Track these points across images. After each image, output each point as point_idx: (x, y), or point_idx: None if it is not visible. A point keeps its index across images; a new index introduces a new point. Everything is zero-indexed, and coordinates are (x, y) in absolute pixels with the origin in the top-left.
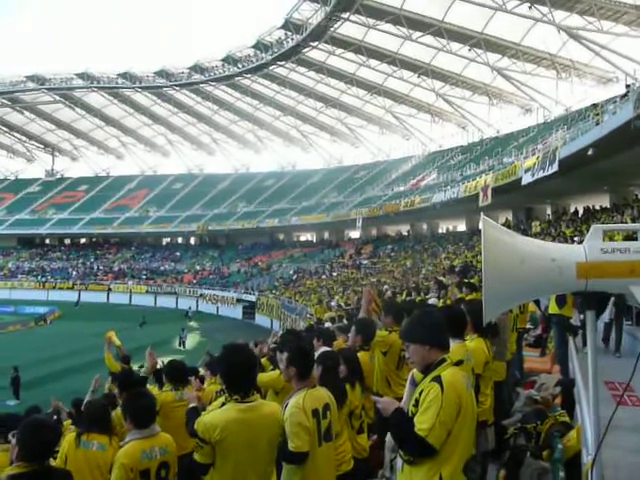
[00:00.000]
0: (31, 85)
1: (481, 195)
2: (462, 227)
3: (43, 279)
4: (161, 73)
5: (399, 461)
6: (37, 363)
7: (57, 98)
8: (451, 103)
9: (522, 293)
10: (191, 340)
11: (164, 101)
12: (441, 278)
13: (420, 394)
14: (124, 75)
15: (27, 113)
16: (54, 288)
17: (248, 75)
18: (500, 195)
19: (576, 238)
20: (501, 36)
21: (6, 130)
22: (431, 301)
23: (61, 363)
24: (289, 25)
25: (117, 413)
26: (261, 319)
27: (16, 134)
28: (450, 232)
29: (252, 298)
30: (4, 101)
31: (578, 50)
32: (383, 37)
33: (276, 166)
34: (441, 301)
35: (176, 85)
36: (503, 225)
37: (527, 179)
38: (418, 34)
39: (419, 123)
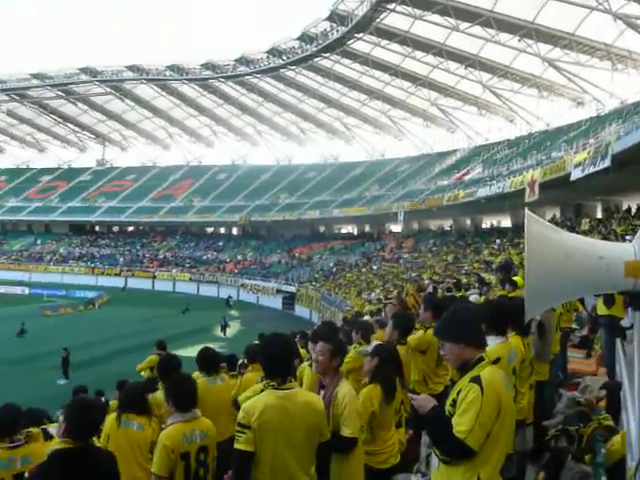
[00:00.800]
0: (84, 77)
1: (527, 190)
2: (507, 223)
3: (92, 265)
4: (207, 65)
5: (435, 459)
6: (86, 345)
7: (108, 90)
8: (499, 95)
9: (566, 290)
10: (232, 328)
11: (210, 93)
12: (483, 274)
13: (458, 394)
14: (172, 67)
15: (80, 104)
16: (102, 274)
17: (293, 67)
18: (548, 191)
19: (628, 237)
20: (553, 26)
21: (60, 121)
22: (472, 298)
23: (108, 346)
24: (334, 16)
25: (155, 397)
26: (300, 310)
27: (70, 125)
28: (494, 228)
29: (292, 289)
30: (59, 93)
31: (636, 40)
32: (429, 28)
33: (318, 158)
34: (482, 298)
35: (222, 77)
36: (550, 222)
37: (577, 174)
38: (466, 25)
39: (465, 116)
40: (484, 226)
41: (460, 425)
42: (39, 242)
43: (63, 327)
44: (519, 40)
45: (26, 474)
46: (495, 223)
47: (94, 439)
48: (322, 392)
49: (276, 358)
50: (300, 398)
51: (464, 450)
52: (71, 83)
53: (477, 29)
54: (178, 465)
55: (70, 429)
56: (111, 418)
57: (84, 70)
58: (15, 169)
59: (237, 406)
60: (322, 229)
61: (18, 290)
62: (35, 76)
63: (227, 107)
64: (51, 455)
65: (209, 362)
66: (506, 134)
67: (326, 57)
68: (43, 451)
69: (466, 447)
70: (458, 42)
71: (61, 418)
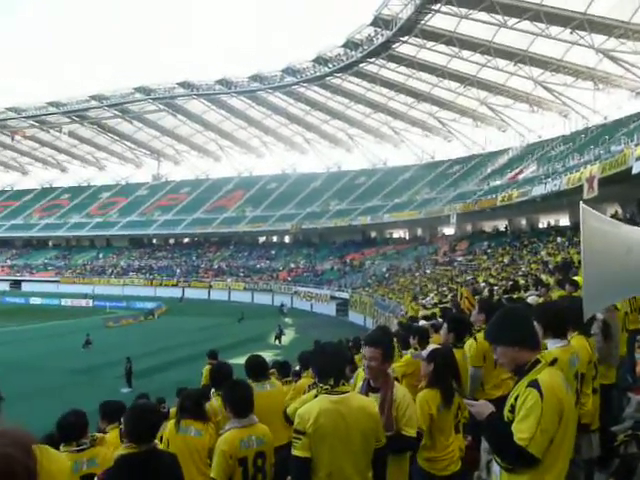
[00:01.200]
0: (138, 96)
1: (586, 187)
2: (565, 222)
3: (151, 276)
4: (255, 77)
5: (496, 466)
6: (147, 354)
7: (161, 107)
8: (551, 91)
9: (627, 286)
10: (286, 336)
11: (258, 104)
12: (542, 276)
13: (516, 399)
14: (221, 81)
15: (135, 122)
16: (160, 285)
17: (339, 74)
18: (607, 186)
19: None
20: (607, 15)
21: (118, 139)
22: (530, 299)
23: (168, 355)
24: (378, 21)
25: (212, 404)
26: (354, 316)
27: (126, 142)
28: (552, 227)
29: (345, 295)
30: (116, 112)
31: None
32: (476, 26)
33: (367, 164)
34: (541, 299)
35: (269, 88)
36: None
37: (639, 168)
38: (514, 20)
39: (516, 114)
40: (541, 226)
41: (521, 432)
42: (101, 256)
43: (125, 337)
44: (571, 32)
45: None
46: (552, 222)
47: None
48: (371, 395)
49: (327, 363)
50: (354, 402)
51: (527, 458)
52: (127, 102)
53: (526, 24)
54: (236, 470)
55: (130, 434)
56: (170, 424)
57: (139, 89)
58: (77, 187)
59: (286, 417)
60: (373, 234)
61: (83, 302)
62: (93, 97)
63: (275, 117)
64: (118, 460)
65: (257, 369)
66: (560, 130)
67: (371, 62)
68: (107, 453)
69: (529, 455)
70: (506, 38)
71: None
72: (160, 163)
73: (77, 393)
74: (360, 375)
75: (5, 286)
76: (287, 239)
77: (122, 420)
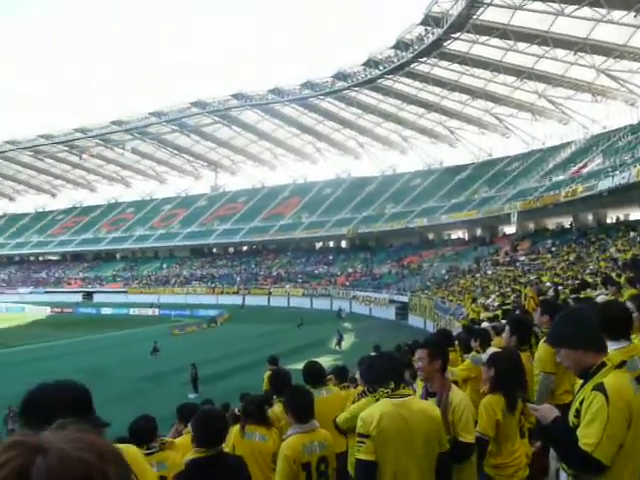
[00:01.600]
0: (195, 110)
1: None
2: (636, 215)
3: (212, 285)
4: (307, 84)
5: (564, 473)
6: (210, 361)
7: (216, 119)
8: (616, 78)
9: None
10: (346, 340)
11: (311, 111)
12: (612, 274)
13: (581, 404)
14: (273, 91)
15: (193, 135)
16: (222, 293)
17: (390, 76)
18: None
19: None
20: None
21: (177, 152)
22: (599, 299)
23: (231, 361)
24: (428, 20)
25: (273, 410)
26: (414, 320)
27: (185, 155)
28: (621, 222)
29: (404, 299)
30: (174, 127)
31: None
32: (531, 17)
33: (422, 165)
34: (612, 298)
35: (321, 94)
36: None
37: None
38: (572, 7)
39: (578, 105)
40: (609, 221)
41: (586, 437)
42: (165, 266)
43: (190, 344)
44: (635, 16)
45: None
46: (622, 217)
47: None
48: (430, 399)
49: (385, 367)
50: (416, 405)
51: (593, 464)
52: (184, 117)
53: (585, 10)
54: (300, 475)
55: (198, 439)
56: (235, 429)
57: (194, 104)
58: (140, 201)
59: (336, 426)
60: (431, 236)
61: (149, 311)
62: (153, 114)
63: (328, 123)
64: (188, 464)
65: (314, 375)
66: (627, 119)
67: (423, 62)
68: (176, 457)
69: (595, 461)
70: (564, 27)
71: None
72: (217, 174)
73: (146, 399)
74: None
75: (78, 297)
76: (344, 244)
77: (190, 425)
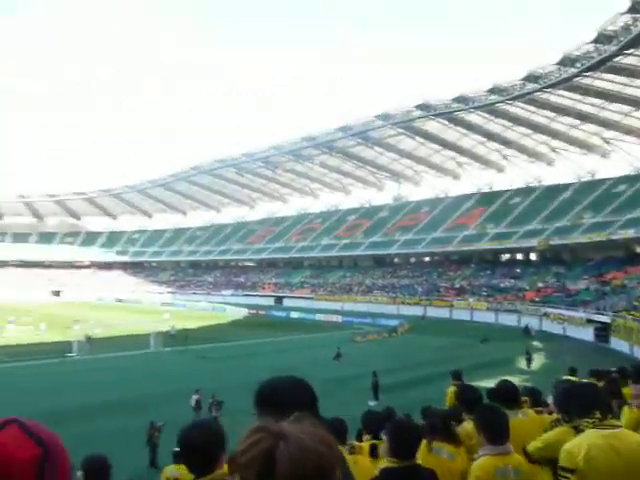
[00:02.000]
0: (379, 123)
1: None
2: None
3: (393, 294)
4: (493, 90)
5: None
6: (390, 370)
7: (400, 131)
8: None
9: None
10: (535, 360)
11: (497, 117)
12: None
13: None
14: (458, 99)
15: (376, 147)
16: (402, 303)
17: (588, 73)
18: None
19: None
20: None
21: (361, 165)
22: None
23: (411, 372)
24: (637, 7)
25: (465, 427)
26: (617, 343)
27: (368, 167)
28: None
29: (605, 319)
30: (359, 140)
31: None
32: None
33: (629, 169)
34: None
35: (509, 99)
36: None
37: None
38: None
39: None
40: None
41: None
42: (348, 275)
43: (371, 352)
44: None
45: None
46: None
47: None
48: None
49: (590, 396)
50: (631, 438)
51: None
52: (368, 130)
53: None
54: None
55: (392, 448)
56: (423, 444)
57: (379, 116)
58: (326, 212)
59: (525, 454)
60: (639, 250)
61: (334, 318)
62: (340, 129)
63: (517, 128)
64: (382, 472)
65: (509, 394)
66: None
67: (629, 54)
68: (365, 462)
69: None
70: None
71: (385, 438)
72: (400, 184)
73: (330, 400)
74: (626, 412)
75: (271, 301)
76: (533, 256)
77: (383, 434)
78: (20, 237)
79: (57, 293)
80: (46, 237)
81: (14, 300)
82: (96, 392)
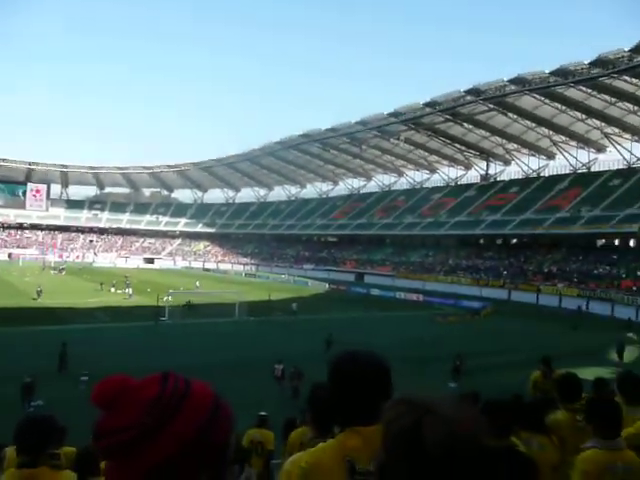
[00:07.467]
0: (469, 98)
1: None
2: None
3: (477, 276)
4: (597, 62)
5: None
6: (471, 353)
7: (491, 107)
8: None
9: None
10: (629, 353)
11: (600, 92)
12: None
13: None
14: (556, 72)
15: (465, 124)
16: (486, 285)
17: None
18: None
19: None
20: None
21: (448, 142)
22: None
23: (492, 356)
24: None
25: (556, 417)
26: None
27: (456, 145)
28: None
29: None
30: (447, 117)
31: None
32: None
33: None
34: None
35: (614, 72)
36: None
37: None
38: None
39: None
40: None
41: None
42: (430, 254)
43: (452, 334)
44: None
45: None
46: None
47: None
48: None
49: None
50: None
51: None
52: (457, 106)
53: None
54: None
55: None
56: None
57: (469, 92)
58: (411, 189)
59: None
60: None
61: (414, 297)
62: (427, 104)
63: (621, 105)
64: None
65: (569, 390)
66: None
67: None
68: None
69: None
70: None
71: None
72: (489, 163)
73: (407, 379)
74: None
75: (351, 277)
76: (633, 243)
77: None
78: (118, 207)
79: (150, 260)
80: (141, 207)
81: (112, 265)
82: (185, 354)
